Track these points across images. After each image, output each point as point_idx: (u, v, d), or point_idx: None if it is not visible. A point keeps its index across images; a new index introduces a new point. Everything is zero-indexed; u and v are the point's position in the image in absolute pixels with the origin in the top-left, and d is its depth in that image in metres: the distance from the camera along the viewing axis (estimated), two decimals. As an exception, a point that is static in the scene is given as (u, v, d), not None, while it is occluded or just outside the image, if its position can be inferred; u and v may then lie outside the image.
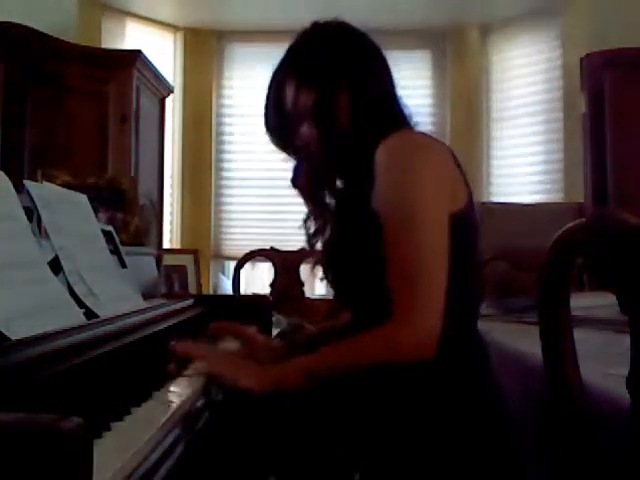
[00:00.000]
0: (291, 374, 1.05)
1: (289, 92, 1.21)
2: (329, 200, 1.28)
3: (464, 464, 1.04)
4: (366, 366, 1.04)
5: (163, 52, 4.32)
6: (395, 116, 1.21)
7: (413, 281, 1.03)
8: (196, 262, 4.09)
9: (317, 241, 1.27)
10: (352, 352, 1.06)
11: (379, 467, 1.07)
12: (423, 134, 1.19)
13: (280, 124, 1.24)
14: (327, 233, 1.26)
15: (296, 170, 1.28)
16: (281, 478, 1.17)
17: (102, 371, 0.93)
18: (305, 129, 1.20)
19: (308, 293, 3.34)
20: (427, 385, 1.07)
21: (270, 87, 1.25)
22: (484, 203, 3.68)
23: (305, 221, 1.28)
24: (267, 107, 1.26)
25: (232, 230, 4.50)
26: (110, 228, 1.56)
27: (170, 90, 3.97)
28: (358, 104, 1.18)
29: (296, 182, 1.28)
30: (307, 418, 1.20)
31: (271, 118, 1.25)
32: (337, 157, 1.20)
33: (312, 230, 1.27)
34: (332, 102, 1.18)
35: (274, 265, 3.22)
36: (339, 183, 1.27)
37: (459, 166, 1.16)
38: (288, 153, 1.28)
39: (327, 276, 1.23)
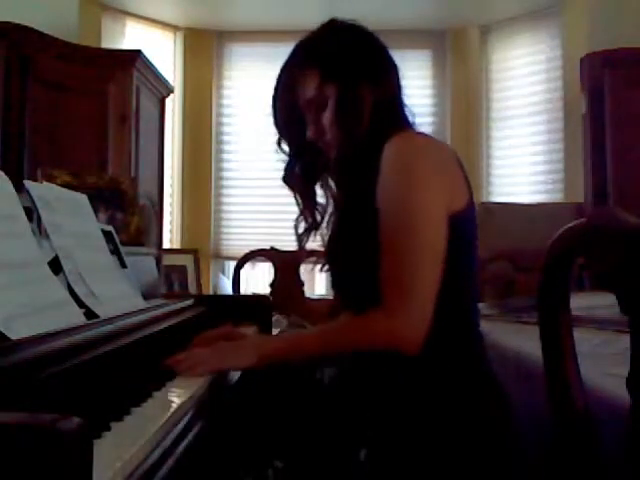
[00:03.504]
0: (276, 349, 1.13)
1: (309, 83, 1.20)
2: (321, 198, 1.29)
3: (465, 451, 1.06)
4: (349, 351, 1.12)
5: (163, 52, 4.32)
6: (400, 116, 1.23)
7: (408, 276, 1.06)
8: (196, 262, 4.08)
9: (307, 240, 1.29)
10: (334, 337, 1.11)
11: (385, 443, 1.09)
12: (425, 135, 1.22)
13: (290, 114, 1.23)
14: (328, 229, 1.26)
15: (288, 167, 1.28)
16: (287, 458, 1.18)
17: (102, 371, 0.93)
18: (325, 121, 1.20)
19: (308, 293, 3.34)
20: (426, 378, 1.11)
21: (283, 76, 1.24)
22: (484, 203, 3.68)
23: (297, 220, 1.29)
24: (277, 97, 1.24)
25: (232, 230, 4.50)
26: (110, 228, 1.56)
27: (170, 90, 3.97)
28: (379, 102, 1.19)
29: (288, 179, 1.29)
30: (316, 395, 1.24)
31: (281, 107, 1.24)
32: (351, 152, 1.19)
33: (302, 229, 1.28)
34: (356, 97, 1.18)
35: (274, 265, 3.22)
36: (337, 180, 1.27)
37: (462, 167, 1.18)
38: (291, 145, 1.27)
39: (331, 273, 1.24)
